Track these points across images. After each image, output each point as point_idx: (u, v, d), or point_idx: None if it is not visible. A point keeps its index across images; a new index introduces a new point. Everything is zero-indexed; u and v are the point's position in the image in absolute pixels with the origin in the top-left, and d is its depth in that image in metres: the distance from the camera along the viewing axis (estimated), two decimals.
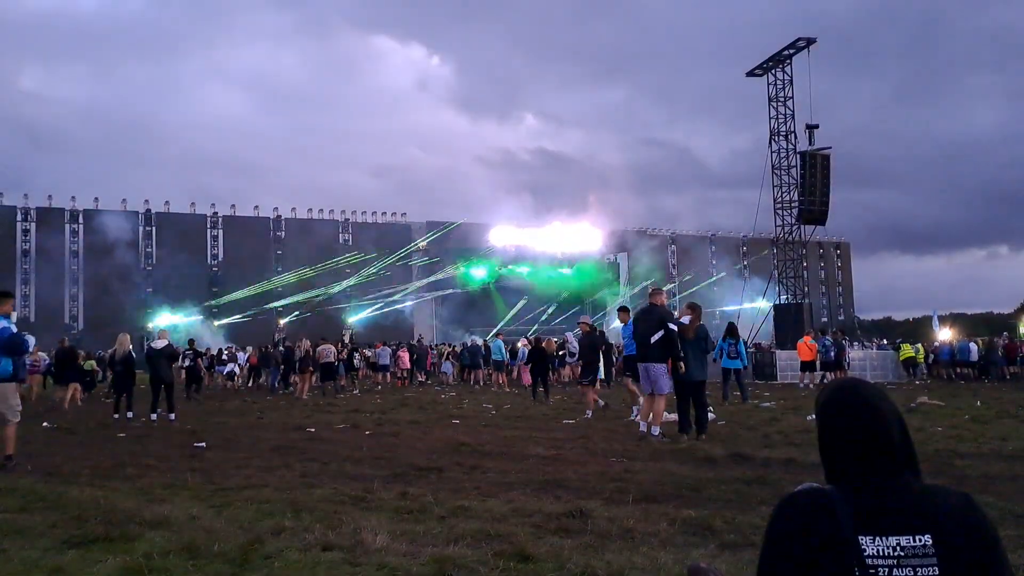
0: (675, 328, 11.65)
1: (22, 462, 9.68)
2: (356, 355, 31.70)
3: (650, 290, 12.49)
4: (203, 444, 11.74)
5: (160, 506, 6.84)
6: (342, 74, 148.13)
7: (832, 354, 26.95)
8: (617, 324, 17.47)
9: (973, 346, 32.73)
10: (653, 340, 11.60)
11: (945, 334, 44.19)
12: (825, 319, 69.57)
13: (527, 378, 26.55)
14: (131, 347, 18.14)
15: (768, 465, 8.94)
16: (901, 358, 32.68)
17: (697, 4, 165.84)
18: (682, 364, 11.59)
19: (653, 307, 12.07)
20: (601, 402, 16.63)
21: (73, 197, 61.01)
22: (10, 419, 9.75)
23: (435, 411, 17.65)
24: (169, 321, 44.79)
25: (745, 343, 25.67)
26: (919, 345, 34.65)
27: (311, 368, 25.25)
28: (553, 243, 54.92)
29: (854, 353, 32.81)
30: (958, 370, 32.70)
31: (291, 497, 7.18)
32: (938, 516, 1.95)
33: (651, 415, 11.93)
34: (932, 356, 33.96)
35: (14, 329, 9.85)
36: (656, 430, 11.70)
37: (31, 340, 10.34)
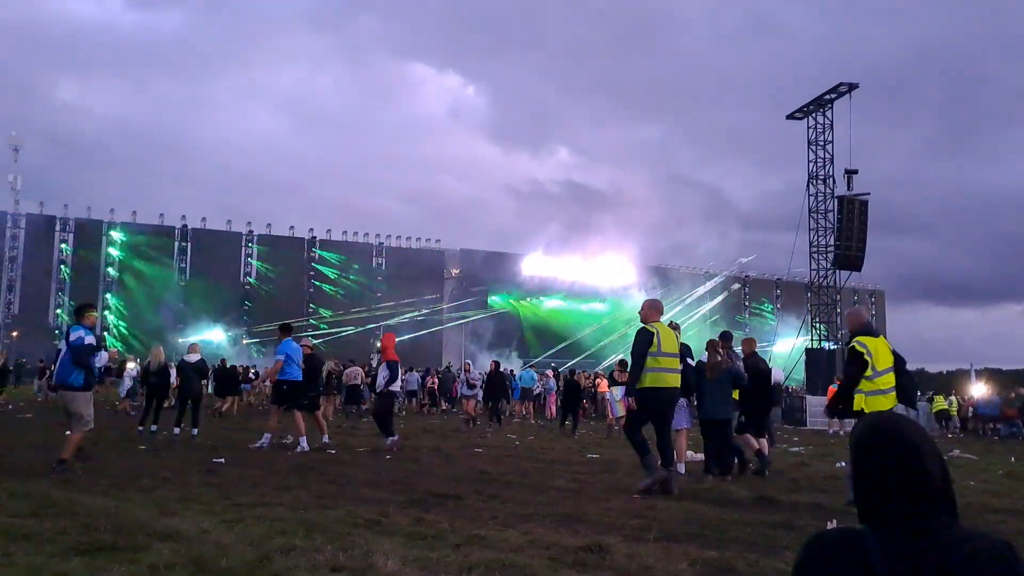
0: (692, 363, 11.43)
1: (75, 470, 9.85)
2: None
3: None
4: (222, 460, 11.67)
5: (171, 518, 6.75)
6: (377, 99, 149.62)
7: None
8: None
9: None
10: None
11: (980, 388, 43.48)
12: None
13: (552, 410, 26.38)
14: (164, 359, 18.16)
15: (795, 510, 8.70)
16: (934, 410, 32.15)
17: (735, 45, 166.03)
18: (694, 399, 11.37)
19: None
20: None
21: (112, 210, 61.81)
22: (78, 427, 10.15)
23: (458, 439, 17.51)
24: (201, 337, 45.11)
25: (777, 385, 25.34)
26: (952, 398, 34.09)
27: (336, 390, 25.23)
28: (586, 275, 54.90)
29: None
30: (991, 425, 32.13)
31: (304, 517, 7.06)
32: (976, 562, 1.80)
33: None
34: (972, 410, 33.36)
35: (86, 340, 10.22)
36: (680, 467, 11.48)
37: (104, 357, 11.55)
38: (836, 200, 38.53)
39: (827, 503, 9.08)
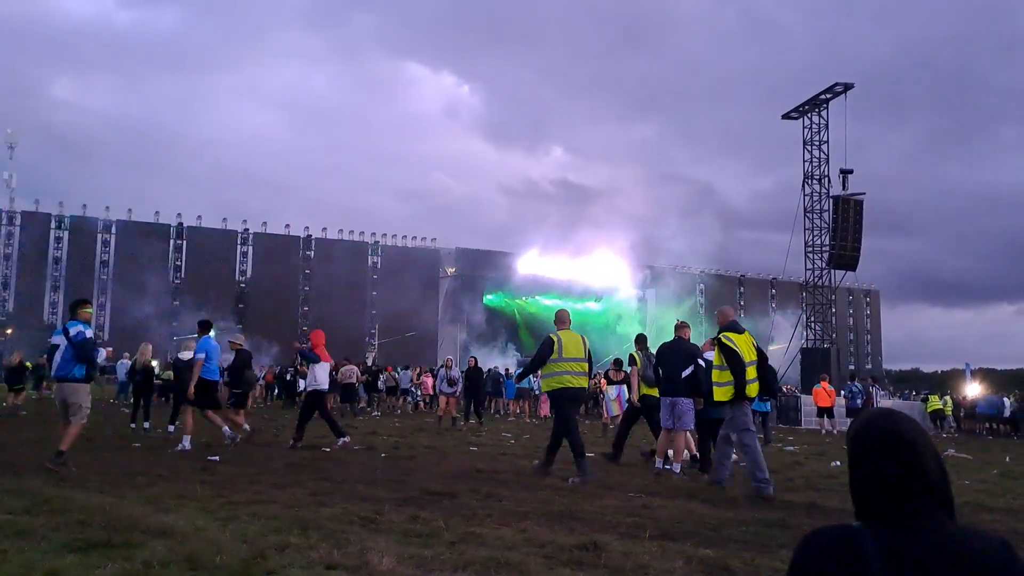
0: (704, 363, 11.43)
1: (69, 463, 9.87)
2: (381, 377, 31.54)
3: (677, 323, 12.22)
4: (216, 457, 11.65)
5: (166, 515, 6.73)
6: (373, 98, 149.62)
7: (859, 401, 26.49)
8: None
9: (1006, 401, 32.24)
10: (684, 375, 11.36)
11: (975, 388, 43.57)
12: (852, 366, 68.88)
13: (545, 409, 26.36)
14: (151, 358, 18.14)
15: (790, 508, 8.71)
16: (928, 410, 32.23)
17: (731, 45, 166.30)
18: (702, 400, 11.44)
19: (681, 341, 11.85)
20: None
21: (107, 207, 61.75)
22: (76, 419, 10.24)
23: (453, 437, 17.50)
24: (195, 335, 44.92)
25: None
26: (947, 398, 34.17)
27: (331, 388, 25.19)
28: (580, 273, 54.94)
29: (882, 403, 32.34)
30: (988, 425, 32.21)
31: (299, 514, 7.05)
32: (973, 560, 1.79)
33: (672, 451, 11.74)
34: (963, 411, 33.44)
35: (88, 334, 10.45)
36: (677, 467, 11.49)
37: (101, 352, 11.07)
38: (831, 200, 38.60)
39: (822, 502, 9.10)
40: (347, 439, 14.01)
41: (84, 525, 6.15)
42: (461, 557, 5.60)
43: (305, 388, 15.06)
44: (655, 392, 12.67)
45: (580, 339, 10.95)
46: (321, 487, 9.07)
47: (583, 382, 10.87)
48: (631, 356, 13.71)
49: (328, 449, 13.44)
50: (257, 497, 8.09)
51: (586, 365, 10.88)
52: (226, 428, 13.73)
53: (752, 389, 9.96)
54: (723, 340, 10.03)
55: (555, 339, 10.68)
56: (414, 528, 6.66)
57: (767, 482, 9.59)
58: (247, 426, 14.57)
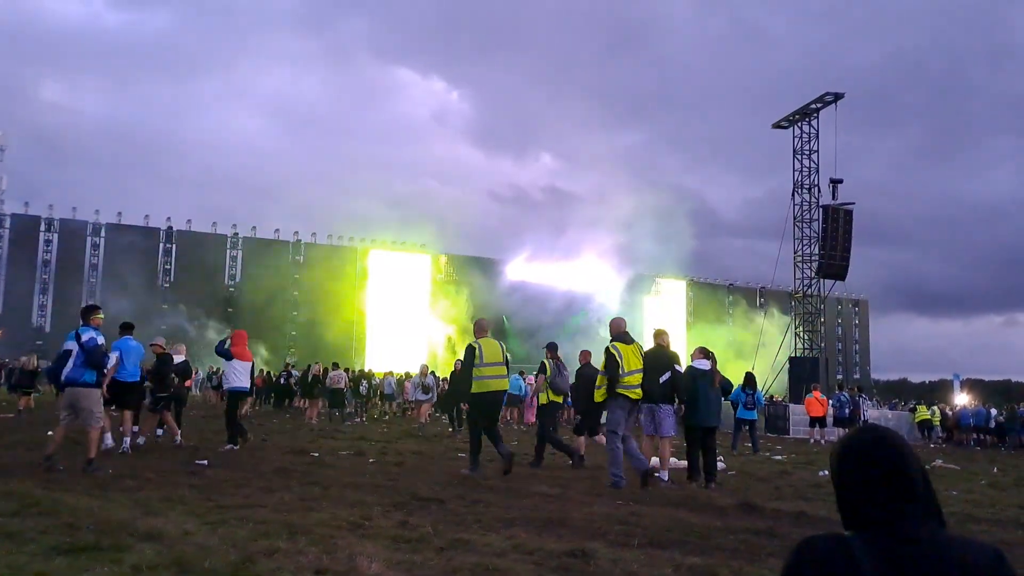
0: (680, 370, 11.60)
1: (103, 467, 10.11)
2: (364, 383, 31.37)
3: (655, 331, 12.32)
4: (205, 461, 11.63)
5: (154, 519, 6.72)
6: (362, 103, 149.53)
7: (847, 411, 26.55)
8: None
9: (992, 411, 32.38)
10: (661, 381, 11.46)
11: (963, 399, 43.73)
12: (840, 375, 69.06)
13: (531, 417, 26.31)
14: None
15: (778, 517, 8.72)
16: (916, 420, 32.31)
17: (720, 53, 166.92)
18: (682, 407, 11.70)
19: (660, 349, 11.92)
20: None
21: (97, 211, 61.52)
22: (92, 424, 10.40)
23: (440, 444, 17.48)
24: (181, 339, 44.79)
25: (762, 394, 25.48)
26: (935, 408, 34.27)
27: (320, 394, 25.25)
28: (567, 281, 55.04)
29: (870, 412, 32.42)
30: (975, 435, 32.32)
31: (288, 519, 7.04)
32: (966, 569, 1.81)
33: (658, 459, 11.77)
34: (955, 420, 33.50)
35: (100, 341, 10.62)
36: (664, 474, 11.51)
37: (112, 357, 12.23)
38: (821, 209, 38.71)
39: (810, 511, 9.12)
40: (236, 447, 13.81)
41: (73, 528, 6.15)
42: (450, 563, 5.61)
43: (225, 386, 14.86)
44: (560, 399, 14.41)
45: (498, 345, 11.96)
46: (310, 492, 9.07)
47: (504, 384, 11.98)
48: (541, 363, 14.56)
49: (316, 454, 13.41)
50: (246, 501, 8.08)
51: (504, 369, 11.86)
52: (109, 437, 13.24)
53: (635, 393, 11.01)
54: (609, 348, 11.04)
55: (476, 347, 11.68)
56: (403, 534, 6.66)
57: (620, 477, 10.68)
58: (179, 437, 14.26)
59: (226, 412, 14.59)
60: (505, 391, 12.16)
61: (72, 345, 10.54)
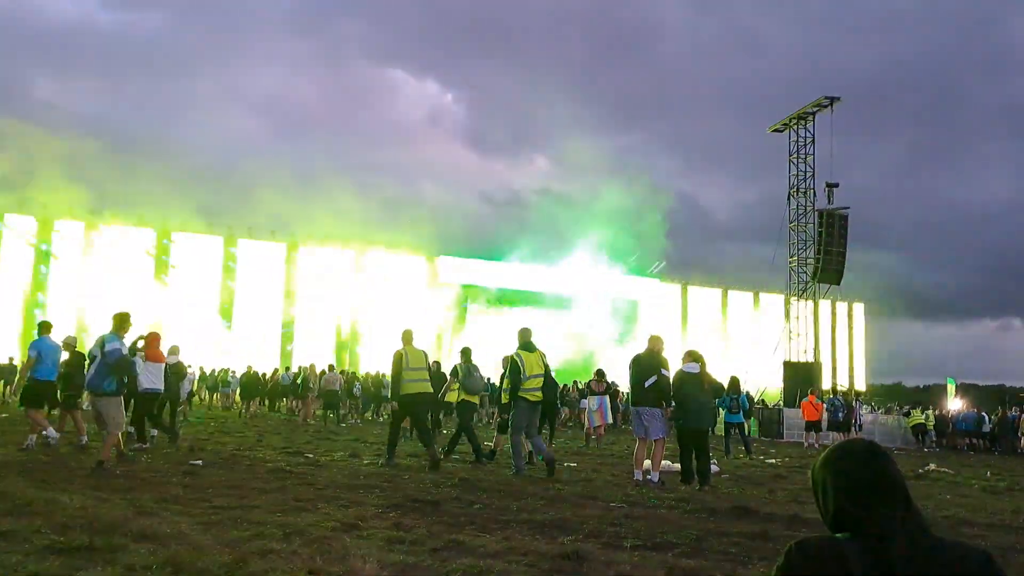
0: (668, 373, 11.65)
1: (112, 470, 10.24)
2: (357, 384, 31.21)
3: (650, 337, 12.39)
4: (199, 462, 11.61)
5: (148, 519, 6.71)
6: (356, 104, 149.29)
7: (840, 415, 26.58)
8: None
9: (985, 416, 32.39)
10: (647, 384, 11.51)
11: (957, 403, 43.74)
12: (834, 380, 69.09)
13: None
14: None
15: (772, 520, 8.73)
16: (910, 424, 32.30)
17: (715, 56, 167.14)
18: (669, 410, 11.68)
19: (652, 353, 11.94)
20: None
21: (92, 210, 61.34)
22: (111, 430, 10.72)
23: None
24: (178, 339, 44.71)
25: (750, 397, 25.45)
26: (929, 412, 34.27)
27: (316, 395, 25.22)
28: (561, 285, 55.18)
29: (864, 416, 32.42)
30: (968, 440, 32.33)
31: (282, 520, 7.04)
32: (955, 571, 1.82)
33: (650, 462, 11.79)
34: (951, 425, 33.46)
35: (124, 351, 11.02)
36: (655, 477, 11.53)
37: (139, 361, 12.90)
38: (816, 213, 38.73)
39: (804, 514, 9.12)
40: (145, 446, 13.68)
41: (66, 528, 6.13)
42: (444, 565, 5.62)
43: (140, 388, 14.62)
44: (475, 399, 15.45)
45: (422, 353, 13.14)
46: (304, 492, 9.07)
47: (427, 387, 13.09)
48: (454, 367, 15.95)
49: (311, 455, 13.41)
50: (240, 502, 8.08)
51: (426, 373, 13.13)
52: (50, 430, 13.19)
53: (535, 396, 12.21)
54: (514, 357, 12.27)
55: (403, 354, 12.77)
56: (397, 535, 6.67)
57: (521, 468, 12.01)
58: (85, 437, 13.89)
59: (134, 413, 14.22)
60: (427, 393, 13.16)
61: (97, 352, 10.89)
